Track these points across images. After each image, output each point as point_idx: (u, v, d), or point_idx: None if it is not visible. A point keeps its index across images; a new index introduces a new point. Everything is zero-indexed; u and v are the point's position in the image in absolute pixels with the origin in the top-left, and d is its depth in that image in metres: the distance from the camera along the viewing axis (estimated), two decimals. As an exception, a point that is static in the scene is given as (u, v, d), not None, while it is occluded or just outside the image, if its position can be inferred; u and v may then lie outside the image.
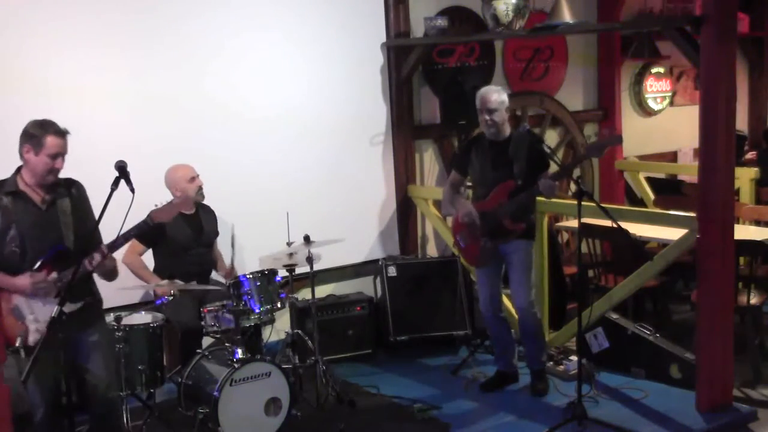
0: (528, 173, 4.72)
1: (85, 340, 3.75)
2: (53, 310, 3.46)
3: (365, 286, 6.25)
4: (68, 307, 3.53)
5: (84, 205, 3.81)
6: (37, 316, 3.60)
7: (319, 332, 4.98)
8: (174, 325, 4.91)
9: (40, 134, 3.59)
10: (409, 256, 6.33)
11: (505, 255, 4.91)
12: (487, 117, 4.77)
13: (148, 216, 3.76)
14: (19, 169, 3.72)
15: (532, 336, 5.02)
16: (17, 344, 3.53)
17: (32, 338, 3.57)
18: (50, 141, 3.60)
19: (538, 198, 4.80)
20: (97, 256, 3.61)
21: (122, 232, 3.63)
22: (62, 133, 3.64)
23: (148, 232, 4.87)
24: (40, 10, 4.90)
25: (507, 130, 4.85)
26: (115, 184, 3.49)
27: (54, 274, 3.62)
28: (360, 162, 6.27)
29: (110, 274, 3.91)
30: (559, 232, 6.77)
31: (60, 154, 3.64)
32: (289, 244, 4.92)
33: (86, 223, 3.75)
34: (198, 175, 5.08)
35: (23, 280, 3.58)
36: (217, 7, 5.53)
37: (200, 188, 5.09)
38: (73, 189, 3.78)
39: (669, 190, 7.45)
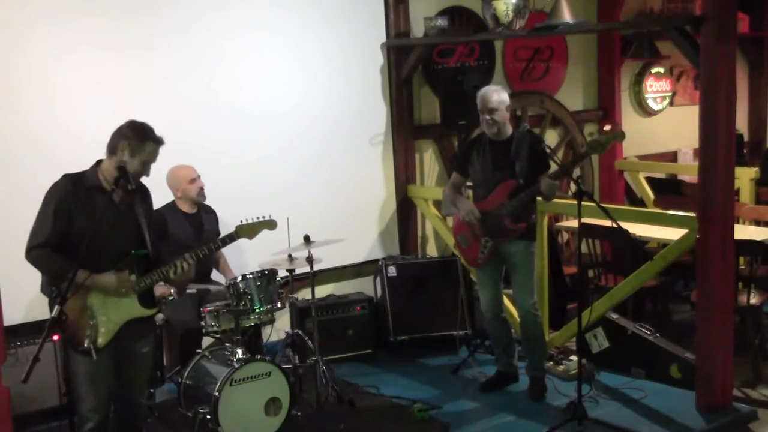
0: (529, 173, 4.72)
1: (138, 351, 3.71)
2: (126, 312, 3.58)
3: (365, 286, 6.25)
4: (142, 313, 3.63)
5: (151, 211, 3.81)
6: (109, 317, 3.55)
7: (319, 332, 4.98)
8: (174, 325, 4.91)
9: (142, 138, 3.55)
10: (409, 256, 6.33)
11: (507, 256, 4.90)
12: (488, 117, 4.76)
13: (235, 231, 3.91)
14: (98, 163, 3.62)
15: (533, 341, 5.00)
16: (85, 345, 3.45)
17: (101, 340, 3.52)
18: (149, 148, 3.57)
19: (538, 199, 4.80)
20: (184, 265, 3.65)
21: (209, 243, 3.80)
22: (161, 143, 3.62)
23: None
24: (43, 13, 4.90)
25: (509, 130, 4.84)
26: (116, 184, 3.50)
27: (133, 278, 3.58)
28: (360, 162, 6.27)
29: (185, 284, 3.97)
30: (559, 232, 6.78)
31: (152, 161, 3.62)
32: (290, 256, 4.90)
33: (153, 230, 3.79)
34: (199, 176, 5.10)
35: (109, 278, 3.51)
36: (217, 9, 5.53)
37: (201, 189, 5.10)
38: (143, 193, 3.73)
39: (669, 190, 7.45)
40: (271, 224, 4.06)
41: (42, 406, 4.68)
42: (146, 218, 3.68)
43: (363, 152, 6.29)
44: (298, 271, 4.95)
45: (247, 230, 3.98)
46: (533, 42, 7.09)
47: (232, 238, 3.92)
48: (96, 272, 3.48)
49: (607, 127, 4.63)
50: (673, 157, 8.32)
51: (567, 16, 5.50)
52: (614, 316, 5.38)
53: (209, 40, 5.51)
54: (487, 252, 4.89)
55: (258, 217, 4.02)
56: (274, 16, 5.79)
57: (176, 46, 5.39)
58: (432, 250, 6.73)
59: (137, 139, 3.54)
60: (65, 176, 3.57)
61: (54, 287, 3.48)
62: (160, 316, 4.68)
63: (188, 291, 4.78)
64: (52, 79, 4.95)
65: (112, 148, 3.56)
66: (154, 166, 4.91)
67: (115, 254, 3.56)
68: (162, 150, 5.12)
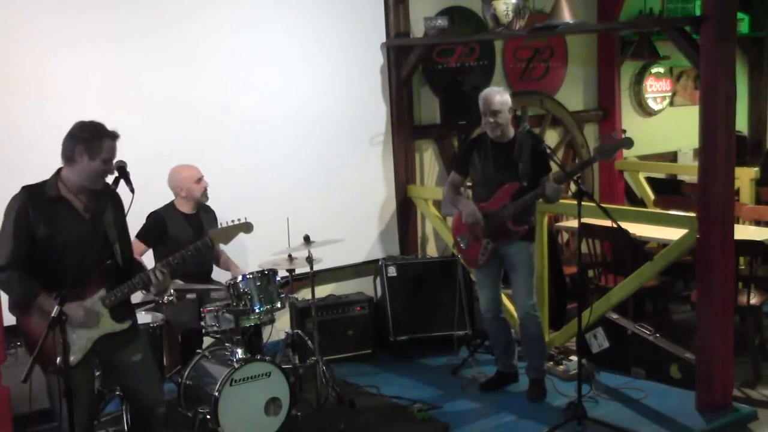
0: (531, 175, 4.72)
1: (128, 361, 3.58)
2: (97, 329, 3.46)
3: (365, 286, 6.25)
4: (114, 327, 3.50)
5: (123, 218, 3.61)
6: (80, 333, 3.43)
7: (319, 332, 4.98)
8: (174, 325, 4.91)
9: (98, 138, 3.38)
10: (409, 256, 6.33)
11: (506, 257, 4.90)
12: (491, 119, 4.74)
13: (207, 237, 3.75)
14: (58, 172, 3.46)
15: (532, 342, 4.99)
16: (58, 363, 3.23)
17: (74, 357, 3.39)
18: (107, 145, 3.39)
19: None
20: (158, 273, 3.50)
21: (182, 251, 3.63)
22: (117, 137, 3.43)
23: (151, 232, 4.90)
24: (37, 10, 4.89)
25: (511, 132, 4.82)
26: (115, 184, 3.45)
27: (102, 291, 3.46)
28: (360, 162, 6.27)
29: (164, 292, 3.82)
30: (559, 232, 6.77)
31: (113, 158, 3.42)
32: (290, 256, 4.90)
33: (126, 236, 3.63)
34: (203, 176, 5.09)
35: (75, 310, 3.36)
36: (217, 7, 5.53)
37: (206, 190, 5.09)
38: (114, 199, 3.53)
39: (669, 190, 7.45)
40: (246, 227, 3.83)
41: (42, 406, 4.67)
42: (118, 227, 3.52)
43: (363, 152, 6.29)
44: (298, 271, 4.95)
45: (221, 235, 3.78)
46: (533, 42, 7.09)
47: (206, 245, 3.72)
48: (64, 285, 3.19)
49: (614, 134, 4.63)
50: (673, 157, 8.32)
51: (567, 16, 5.50)
52: (614, 316, 5.38)
53: (208, 41, 5.50)
54: (488, 253, 4.88)
55: (233, 221, 3.83)
56: (274, 17, 5.78)
57: (174, 47, 5.37)
58: (432, 250, 6.73)
59: (93, 139, 3.37)
60: (22, 188, 3.43)
61: (18, 310, 3.42)
62: (159, 316, 4.68)
63: (188, 297, 4.78)
64: (46, 77, 4.92)
65: (69, 156, 3.39)
66: (154, 167, 4.98)
67: (84, 266, 3.32)
68: (162, 152, 5.17)
